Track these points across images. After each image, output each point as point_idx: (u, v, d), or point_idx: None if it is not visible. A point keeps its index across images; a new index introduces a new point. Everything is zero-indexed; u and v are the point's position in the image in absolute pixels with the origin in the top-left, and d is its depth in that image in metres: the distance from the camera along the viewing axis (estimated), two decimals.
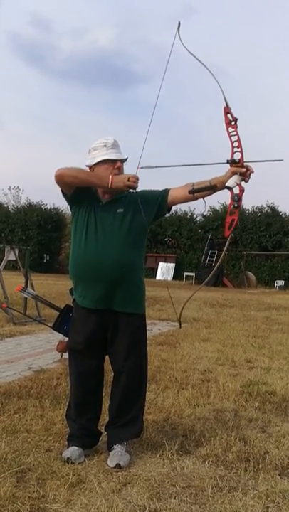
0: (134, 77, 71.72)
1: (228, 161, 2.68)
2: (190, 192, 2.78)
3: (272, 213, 28.85)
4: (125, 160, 2.92)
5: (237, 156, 2.66)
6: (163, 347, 6.49)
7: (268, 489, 2.59)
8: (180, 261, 28.91)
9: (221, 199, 30.04)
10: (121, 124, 65.16)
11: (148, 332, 3.06)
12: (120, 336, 2.89)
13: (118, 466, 2.77)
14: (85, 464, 2.82)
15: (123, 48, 71.24)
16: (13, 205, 34.31)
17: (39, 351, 5.97)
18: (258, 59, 75.10)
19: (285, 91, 72.88)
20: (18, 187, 36.77)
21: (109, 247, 2.79)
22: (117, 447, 2.90)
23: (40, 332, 7.25)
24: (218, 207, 30.03)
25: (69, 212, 3.33)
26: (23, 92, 71.51)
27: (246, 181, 2.73)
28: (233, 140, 2.69)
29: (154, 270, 27.94)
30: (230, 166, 2.70)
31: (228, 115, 2.75)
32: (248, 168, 2.71)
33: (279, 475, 2.78)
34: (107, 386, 3.21)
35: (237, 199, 2.66)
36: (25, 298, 8.55)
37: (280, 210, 28.99)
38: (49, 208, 32.25)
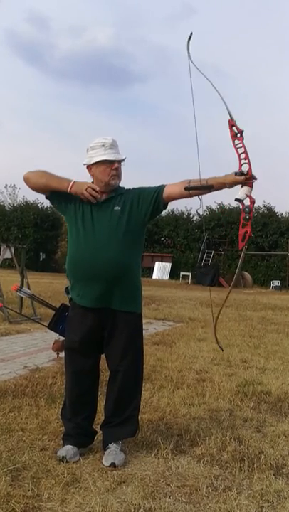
0: (131, 76, 71.72)
1: (236, 174, 2.68)
2: (186, 189, 2.77)
3: (269, 213, 28.91)
4: (123, 160, 2.91)
5: (245, 168, 2.66)
6: (159, 346, 6.50)
7: (262, 489, 2.60)
8: (176, 260, 28.94)
9: (217, 199, 30.22)
10: (118, 123, 65.18)
11: (144, 331, 3.06)
12: (117, 335, 2.89)
13: (113, 465, 2.77)
14: (80, 463, 2.82)
15: (121, 47, 71.26)
16: (9, 204, 34.27)
17: (34, 350, 5.96)
18: (258, 59, 75.20)
19: (285, 91, 73.01)
20: (14, 185, 36.69)
21: (106, 246, 2.79)
22: (112, 446, 2.90)
23: (36, 331, 7.24)
24: (214, 207, 30.12)
25: None
26: (20, 90, 71.52)
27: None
28: (240, 152, 2.69)
29: (151, 269, 27.95)
30: (238, 176, 2.70)
31: (233, 128, 2.75)
32: (252, 180, 2.71)
33: (274, 475, 2.79)
34: (102, 385, 3.21)
35: (248, 211, 2.67)
36: (21, 297, 8.54)
37: (276, 211, 29.09)
38: (45, 206, 32.17)
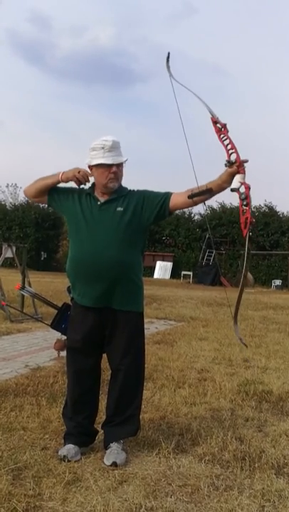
0: (132, 75, 71.69)
1: (226, 165, 2.70)
2: (189, 197, 2.80)
3: (270, 213, 28.87)
4: (124, 162, 2.88)
5: (233, 157, 2.68)
6: (160, 346, 6.49)
7: (263, 488, 2.59)
8: (177, 260, 28.92)
9: (218, 198, 30.15)
10: (120, 123, 65.14)
11: (145, 331, 3.06)
12: (118, 334, 2.89)
13: (114, 464, 2.77)
14: (82, 462, 2.82)
15: (122, 46, 71.22)
16: (10, 203, 34.29)
17: (36, 349, 5.96)
18: (259, 57, 75.12)
19: (286, 90, 72.93)
20: (15, 184, 36.76)
21: (107, 245, 2.79)
22: (114, 445, 2.90)
23: (37, 330, 7.25)
24: (215, 206, 30.08)
25: None
26: (21, 90, 71.48)
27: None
28: (226, 144, 2.72)
29: (152, 269, 27.94)
30: (229, 167, 2.70)
31: (217, 124, 2.79)
32: (242, 166, 2.70)
33: (275, 474, 2.79)
34: (104, 384, 3.21)
35: (244, 197, 2.68)
36: (23, 296, 8.55)
37: (277, 210, 29.04)
38: (47, 205, 32.22)
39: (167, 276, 27.95)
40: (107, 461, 2.81)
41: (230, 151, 2.69)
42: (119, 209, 2.86)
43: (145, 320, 2.93)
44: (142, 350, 3.00)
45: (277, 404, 4.12)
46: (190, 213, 30.48)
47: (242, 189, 2.67)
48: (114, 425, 2.96)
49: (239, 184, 2.66)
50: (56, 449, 2.94)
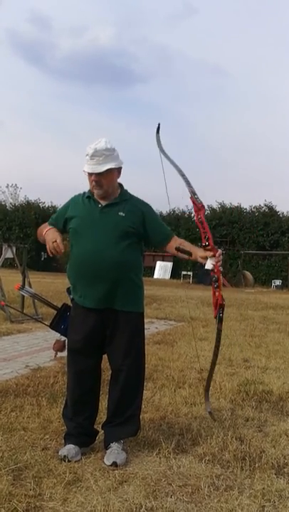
0: (132, 76, 71.71)
1: (201, 246, 2.83)
2: (176, 248, 2.94)
3: (270, 213, 28.88)
4: (104, 172, 2.82)
5: (207, 241, 2.79)
6: (160, 346, 6.50)
7: (264, 488, 2.60)
8: (178, 260, 28.90)
9: (218, 198, 30.20)
10: (120, 123, 65.19)
11: (145, 331, 3.07)
12: (119, 334, 2.89)
13: (115, 465, 2.78)
14: (82, 462, 2.82)
15: (122, 46, 71.22)
16: (10, 203, 34.29)
17: (36, 349, 5.97)
18: (259, 58, 75.16)
19: (286, 90, 72.97)
20: (16, 185, 36.83)
21: (108, 247, 2.81)
22: (114, 445, 2.90)
23: (37, 330, 7.25)
24: (215, 206, 30.10)
25: None
26: (21, 90, 71.55)
27: (218, 261, 2.80)
28: (201, 226, 2.83)
29: (152, 269, 27.94)
30: (204, 250, 2.82)
31: (196, 202, 2.90)
32: (216, 251, 2.79)
33: (275, 474, 2.79)
34: (104, 384, 3.22)
35: (216, 279, 2.81)
36: (23, 296, 8.55)
37: (277, 210, 29.07)
38: (47, 205, 32.24)
39: (167, 276, 27.96)
40: (108, 461, 2.82)
41: (205, 235, 2.78)
42: (120, 214, 2.88)
43: (145, 320, 2.93)
44: (143, 350, 3.01)
45: (278, 404, 4.13)
46: (190, 213, 30.48)
47: (214, 269, 2.79)
48: (114, 425, 2.96)
49: (212, 266, 2.78)
50: (56, 449, 2.94)
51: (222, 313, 2.87)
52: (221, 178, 58.53)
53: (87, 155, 2.81)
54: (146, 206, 3.01)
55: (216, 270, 2.78)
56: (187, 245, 2.95)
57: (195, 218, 2.88)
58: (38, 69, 73.49)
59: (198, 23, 77.69)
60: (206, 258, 2.80)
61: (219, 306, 2.82)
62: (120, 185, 3.00)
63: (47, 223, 3.09)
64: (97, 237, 2.83)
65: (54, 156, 64.18)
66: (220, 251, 2.82)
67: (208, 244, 2.77)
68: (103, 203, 2.91)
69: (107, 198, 2.91)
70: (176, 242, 2.98)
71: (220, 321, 2.88)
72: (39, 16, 75.07)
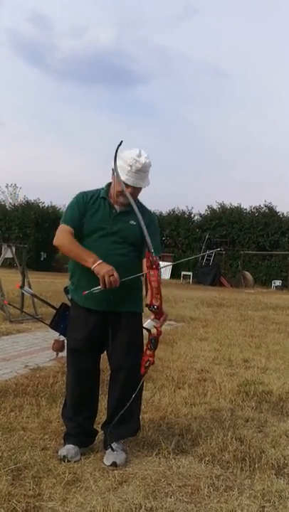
0: (133, 76, 71.74)
1: (148, 307, 2.69)
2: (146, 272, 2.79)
3: (270, 213, 28.88)
4: (143, 187, 2.88)
5: (156, 302, 2.66)
6: (160, 346, 6.43)
7: (264, 489, 2.59)
8: (178, 260, 28.91)
9: (218, 199, 30.22)
10: (120, 123, 65.16)
11: (146, 331, 3.06)
12: (120, 334, 2.90)
13: (114, 465, 2.77)
14: (81, 463, 2.81)
15: (123, 47, 71.25)
16: (10, 203, 34.29)
17: (36, 349, 5.96)
18: (260, 58, 75.23)
19: (286, 90, 73.05)
20: (15, 185, 36.83)
21: (117, 254, 2.82)
22: (114, 446, 2.89)
23: (37, 330, 7.25)
24: (215, 206, 30.10)
25: None
26: (22, 91, 71.57)
27: (160, 325, 2.71)
28: (154, 286, 2.65)
29: None
30: (149, 310, 2.70)
31: (150, 258, 2.68)
32: (163, 314, 2.71)
33: (275, 474, 2.78)
34: (103, 385, 3.21)
35: (154, 341, 2.72)
36: (22, 296, 8.55)
37: (277, 210, 29.07)
38: (46, 205, 32.24)
39: (167, 276, 27.94)
40: (107, 461, 2.81)
41: (156, 297, 2.65)
42: (132, 222, 2.90)
43: (145, 320, 2.92)
44: (142, 349, 3.00)
45: (278, 404, 4.12)
46: (190, 213, 30.52)
47: (153, 331, 2.69)
48: (114, 425, 2.95)
49: (152, 327, 2.69)
50: (56, 449, 2.94)
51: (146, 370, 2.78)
52: (221, 178, 58.55)
53: (131, 166, 2.79)
54: (154, 217, 3.08)
55: (156, 333, 2.69)
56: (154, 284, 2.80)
57: (147, 277, 2.65)
58: (38, 69, 73.48)
59: (199, 24, 77.67)
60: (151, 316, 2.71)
61: (149, 366, 2.74)
62: None
63: (65, 227, 2.89)
64: (107, 241, 2.84)
65: (54, 156, 64.18)
66: (165, 315, 2.71)
67: (158, 308, 2.66)
68: (118, 208, 2.92)
69: (123, 205, 2.92)
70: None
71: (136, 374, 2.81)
72: (39, 16, 74.97)
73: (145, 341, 2.93)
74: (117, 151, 2.83)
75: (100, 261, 2.72)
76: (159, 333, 2.71)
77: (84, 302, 2.91)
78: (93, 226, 2.88)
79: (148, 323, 2.70)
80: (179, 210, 30.87)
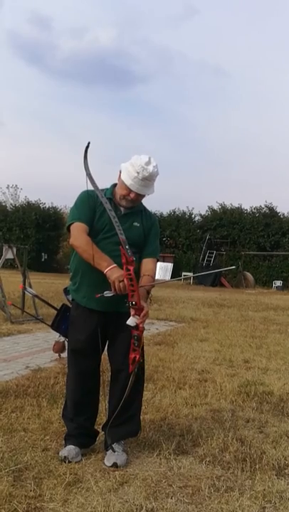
0: (133, 77, 71.78)
1: (128, 303, 2.69)
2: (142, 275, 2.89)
3: (271, 213, 28.86)
4: (146, 195, 2.91)
5: (133, 298, 2.67)
6: (161, 346, 6.49)
7: (264, 489, 2.59)
8: (178, 261, 28.90)
9: (219, 199, 30.20)
10: (120, 123, 65.25)
11: (146, 332, 3.06)
12: (121, 335, 2.89)
13: (115, 465, 2.77)
14: (82, 463, 2.82)
15: (123, 47, 71.27)
16: (11, 204, 34.29)
17: (36, 350, 5.96)
18: (260, 58, 75.24)
19: (286, 90, 73.04)
20: (16, 185, 36.81)
21: (120, 255, 2.80)
22: (114, 446, 2.90)
23: (38, 331, 7.25)
24: (216, 207, 30.09)
25: (67, 211, 3.32)
26: (22, 91, 71.61)
27: (142, 322, 2.72)
28: (130, 283, 2.66)
29: None
30: (130, 307, 2.71)
31: (127, 255, 2.67)
32: (143, 310, 2.71)
33: (276, 475, 2.78)
34: (104, 386, 3.21)
35: (137, 338, 2.73)
36: (23, 297, 8.56)
37: (278, 211, 29.04)
38: (47, 206, 32.23)
39: (168, 277, 27.94)
40: (108, 462, 2.82)
41: (132, 292, 2.66)
42: (136, 224, 2.94)
43: (146, 321, 2.93)
44: (142, 350, 3.00)
45: (278, 405, 4.12)
46: (190, 214, 30.51)
47: (136, 329, 2.71)
48: (115, 426, 2.95)
49: (135, 324, 2.70)
50: (57, 450, 2.94)
51: (139, 370, 2.82)
52: (222, 178, 58.54)
53: (138, 173, 2.80)
54: (156, 220, 3.11)
55: (138, 329, 2.70)
56: (146, 284, 2.85)
57: (124, 273, 2.64)
58: (38, 70, 73.60)
59: (199, 23, 77.74)
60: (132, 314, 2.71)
61: (137, 363, 2.76)
62: None
63: (80, 225, 2.84)
64: (111, 243, 2.84)
65: (54, 156, 64.21)
66: (145, 311, 2.71)
67: (136, 304, 2.67)
68: (123, 210, 2.93)
69: (128, 207, 2.94)
70: (152, 264, 2.99)
71: (136, 374, 2.82)
72: (39, 16, 74.99)
73: (147, 342, 2.92)
74: (86, 152, 2.84)
75: (114, 265, 2.71)
76: (141, 329, 2.72)
77: (85, 303, 2.91)
78: (100, 226, 2.88)
79: (130, 320, 2.70)
80: (180, 210, 30.87)
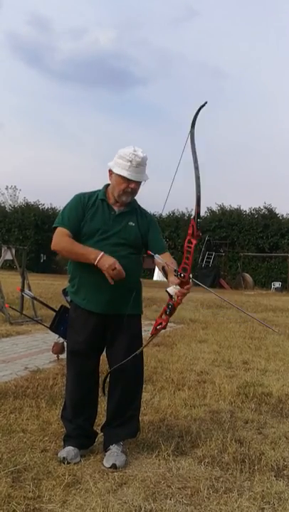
0: (133, 78, 71.84)
1: (175, 274, 2.73)
2: (162, 268, 2.89)
3: (270, 215, 28.90)
4: (143, 181, 2.91)
5: (185, 271, 2.71)
6: (159, 348, 6.49)
7: (263, 490, 2.59)
8: (177, 262, 28.88)
9: (218, 200, 30.22)
10: (120, 125, 65.26)
11: (146, 333, 3.07)
12: (120, 337, 2.90)
13: (114, 467, 2.77)
14: (81, 464, 2.82)
15: (123, 49, 71.36)
16: (10, 205, 34.31)
17: (35, 351, 5.96)
18: (260, 59, 75.32)
19: (286, 91, 73.13)
20: (15, 186, 36.92)
21: (117, 254, 2.81)
22: (113, 447, 2.90)
23: (37, 332, 7.24)
24: (215, 208, 30.12)
25: None
26: (21, 93, 71.67)
27: (181, 295, 2.75)
28: (186, 255, 2.71)
29: (152, 271, 27.93)
30: (177, 278, 2.73)
31: (193, 227, 2.71)
32: (188, 285, 2.74)
33: (275, 476, 2.78)
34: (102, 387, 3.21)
35: (171, 307, 2.78)
36: (22, 298, 8.55)
37: (277, 212, 29.08)
38: (46, 207, 32.29)
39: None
40: (107, 463, 2.81)
41: (185, 265, 2.70)
42: (130, 223, 2.92)
43: (145, 322, 2.94)
44: (141, 351, 3.01)
45: (277, 406, 4.12)
46: (189, 215, 30.48)
47: (174, 297, 2.75)
48: (114, 427, 2.96)
49: (173, 292, 2.73)
50: (56, 451, 2.94)
51: (156, 333, 2.85)
52: (221, 180, 58.49)
53: (131, 161, 2.80)
54: (152, 217, 3.09)
55: (176, 299, 2.73)
56: (171, 267, 2.86)
57: (184, 245, 2.69)
58: (38, 71, 73.72)
59: (199, 25, 77.89)
60: (172, 283, 2.74)
61: (159, 331, 2.81)
62: None
63: (62, 230, 2.85)
64: (107, 243, 2.84)
65: (53, 157, 64.27)
66: (189, 285, 2.74)
67: (184, 277, 2.70)
68: (117, 210, 2.92)
69: (121, 204, 2.93)
70: (170, 258, 2.99)
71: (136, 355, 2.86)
72: (39, 18, 75.12)
73: (145, 343, 2.94)
74: (198, 111, 2.92)
75: (102, 254, 2.73)
76: (178, 301, 2.75)
77: (85, 304, 2.91)
78: (93, 228, 2.87)
79: (171, 288, 2.73)
80: (179, 211, 30.89)
